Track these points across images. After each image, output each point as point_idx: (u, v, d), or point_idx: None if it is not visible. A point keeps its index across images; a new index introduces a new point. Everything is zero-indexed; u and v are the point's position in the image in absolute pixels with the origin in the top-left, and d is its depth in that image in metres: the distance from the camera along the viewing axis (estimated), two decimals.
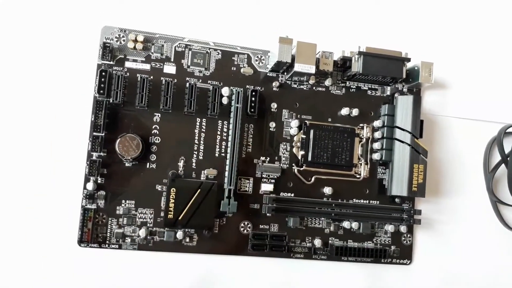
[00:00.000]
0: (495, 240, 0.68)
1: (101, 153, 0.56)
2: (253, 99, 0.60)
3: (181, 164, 0.59)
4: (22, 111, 0.57)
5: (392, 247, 0.64)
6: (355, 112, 0.63)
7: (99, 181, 0.57)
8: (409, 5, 0.69)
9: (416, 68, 0.63)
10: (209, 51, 0.61)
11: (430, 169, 0.64)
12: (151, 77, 0.59)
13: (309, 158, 0.61)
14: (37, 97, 0.57)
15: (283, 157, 0.62)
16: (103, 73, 0.56)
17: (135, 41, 0.58)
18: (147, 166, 0.58)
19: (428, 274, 0.65)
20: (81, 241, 0.56)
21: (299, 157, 0.62)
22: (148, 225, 0.58)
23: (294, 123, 0.61)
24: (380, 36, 0.66)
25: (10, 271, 0.56)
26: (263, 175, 0.61)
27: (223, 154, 0.60)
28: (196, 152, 0.59)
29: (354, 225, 0.61)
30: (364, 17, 0.67)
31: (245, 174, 0.60)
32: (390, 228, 0.63)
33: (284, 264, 0.61)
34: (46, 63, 0.58)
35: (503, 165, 0.67)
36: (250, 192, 0.60)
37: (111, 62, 0.58)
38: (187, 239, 0.58)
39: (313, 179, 0.62)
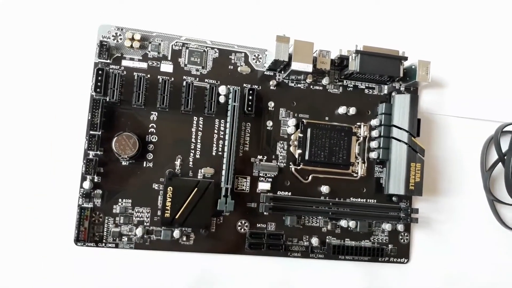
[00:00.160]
0: (492, 239, 0.68)
1: (98, 152, 0.56)
2: (250, 97, 0.60)
3: (178, 162, 0.59)
4: (19, 110, 0.57)
5: (389, 245, 0.64)
6: (352, 110, 0.63)
7: (95, 180, 0.56)
8: (406, 4, 0.69)
9: (413, 66, 0.63)
10: (206, 49, 0.61)
11: (427, 168, 0.64)
12: (148, 75, 0.58)
13: (306, 157, 0.61)
14: (34, 96, 0.57)
15: (280, 155, 0.61)
16: (100, 72, 0.56)
17: (132, 39, 0.58)
18: (144, 165, 0.58)
19: (426, 273, 0.65)
20: (77, 240, 0.56)
21: (296, 156, 0.62)
22: (145, 224, 0.57)
23: (291, 121, 0.61)
24: (377, 34, 0.66)
25: (7, 270, 0.56)
26: (260, 174, 0.61)
27: (220, 153, 0.60)
28: (193, 151, 0.59)
29: (352, 223, 0.61)
30: (362, 16, 0.67)
31: (242, 173, 0.60)
32: (387, 226, 0.63)
33: (282, 263, 0.61)
34: (43, 61, 0.58)
35: (500, 163, 0.67)
36: (247, 191, 0.60)
37: (108, 61, 0.58)
38: (184, 238, 0.58)
39: (310, 177, 0.62)
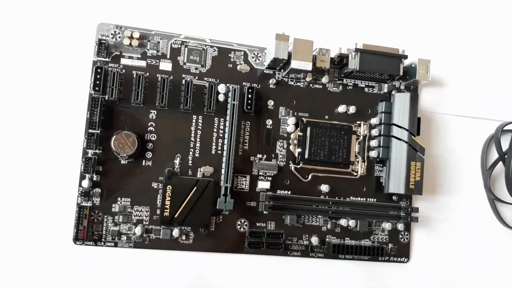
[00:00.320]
0: (492, 238, 0.67)
1: (97, 151, 0.56)
2: (249, 96, 0.59)
3: (177, 161, 0.58)
4: (17, 108, 0.57)
5: (389, 245, 0.63)
6: (352, 109, 0.63)
7: (94, 179, 0.56)
8: (406, 2, 0.68)
9: (413, 65, 0.63)
10: (205, 48, 0.60)
11: (427, 167, 0.64)
12: (147, 74, 0.58)
13: (306, 156, 0.61)
14: (32, 94, 0.57)
15: (280, 154, 0.61)
16: (99, 70, 0.56)
17: (131, 37, 0.58)
18: (143, 164, 0.58)
19: (426, 272, 0.65)
20: (76, 239, 0.56)
21: (296, 155, 0.61)
22: (144, 223, 0.57)
23: (291, 120, 0.61)
24: (377, 33, 0.66)
25: (5, 269, 0.55)
26: (259, 173, 0.60)
27: (220, 152, 0.60)
28: (192, 150, 0.59)
29: (351, 223, 0.61)
30: (361, 14, 0.67)
31: (242, 171, 0.60)
32: (387, 226, 0.62)
33: (281, 262, 0.61)
34: (41, 59, 0.57)
35: (500, 162, 0.66)
36: (247, 189, 0.60)
37: (107, 59, 0.58)
38: (183, 237, 0.58)
39: (310, 176, 0.62)
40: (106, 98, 0.56)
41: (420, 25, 0.68)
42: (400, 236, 0.64)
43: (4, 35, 0.57)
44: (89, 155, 0.56)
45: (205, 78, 0.60)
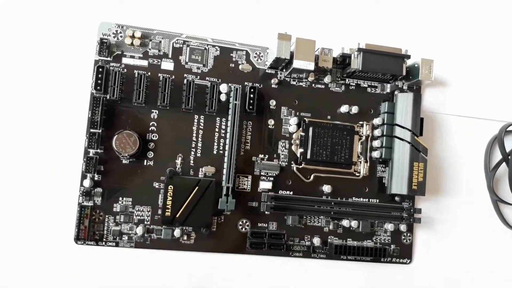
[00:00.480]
0: (495, 240, 0.67)
1: (98, 150, 0.56)
2: (251, 96, 0.59)
3: (178, 161, 0.58)
4: (19, 107, 0.57)
5: (392, 246, 0.63)
6: (354, 109, 0.62)
7: (96, 178, 0.56)
8: (409, 2, 0.68)
9: (416, 65, 0.63)
10: (207, 47, 0.60)
11: (430, 168, 0.63)
12: (149, 73, 0.58)
13: (308, 156, 0.61)
14: (34, 93, 0.57)
15: (282, 154, 0.61)
16: (100, 69, 0.56)
17: (133, 37, 0.58)
18: (145, 163, 0.58)
19: (428, 273, 0.65)
20: (77, 239, 0.55)
21: (298, 155, 0.61)
22: (146, 222, 0.57)
23: (293, 120, 0.61)
24: (379, 33, 0.66)
25: (7, 269, 0.55)
26: (261, 173, 0.60)
27: (221, 152, 0.59)
28: (194, 150, 0.59)
29: (354, 223, 0.61)
30: (364, 14, 0.67)
31: (244, 171, 0.60)
32: (389, 227, 0.62)
33: (283, 262, 0.61)
34: (43, 59, 0.57)
35: (504, 163, 0.66)
36: (249, 190, 0.60)
37: (108, 58, 0.57)
38: (185, 237, 0.58)
39: (312, 177, 0.61)
40: (108, 97, 0.56)
41: (423, 25, 0.68)
42: (403, 237, 0.63)
43: (6, 34, 0.57)
44: (91, 154, 0.56)
45: (207, 78, 0.60)
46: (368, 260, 0.62)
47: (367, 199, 0.63)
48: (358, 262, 0.62)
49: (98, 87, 0.55)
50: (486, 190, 0.67)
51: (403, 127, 0.61)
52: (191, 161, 0.59)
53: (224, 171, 0.58)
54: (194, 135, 0.59)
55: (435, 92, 0.67)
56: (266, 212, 0.59)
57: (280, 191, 0.60)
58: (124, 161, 0.57)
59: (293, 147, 0.61)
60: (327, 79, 0.62)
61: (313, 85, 0.62)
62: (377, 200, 0.63)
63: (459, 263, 0.66)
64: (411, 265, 0.64)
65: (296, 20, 0.64)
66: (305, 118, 0.61)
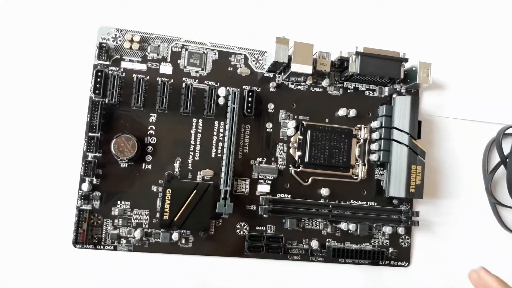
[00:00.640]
0: (494, 242, 0.67)
1: (97, 154, 0.56)
2: (249, 99, 0.59)
3: (177, 165, 0.58)
4: (19, 111, 0.57)
5: (390, 249, 0.63)
6: (352, 113, 0.63)
7: (94, 182, 0.56)
8: (407, 6, 0.68)
9: (414, 68, 0.63)
10: (205, 51, 0.60)
11: (428, 170, 0.64)
12: (147, 77, 0.58)
13: (306, 159, 0.61)
14: (33, 97, 0.57)
15: (280, 158, 0.61)
16: (99, 73, 0.56)
17: (131, 41, 0.58)
18: (143, 167, 0.58)
19: (427, 276, 0.65)
20: (76, 242, 0.56)
21: (296, 158, 0.61)
22: (144, 226, 0.57)
23: (291, 123, 0.61)
24: (377, 36, 0.66)
25: (5, 271, 0.55)
26: (259, 176, 0.60)
27: (220, 155, 0.59)
28: (192, 153, 0.59)
29: (352, 226, 0.61)
30: (362, 17, 0.67)
31: (242, 175, 0.60)
32: (388, 229, 0.62)
33: (281, 266, 0.61)
34: (42, 63, 0.58)
35: (502, 166, 0.66)
36: (247, 193, 0.60)
37: (107, 62, 0.58)
38: (183, 241, 0.58)
39: (310, 180, 0.61)
40: (107, 101, 0.56)
41: (421, 28, 0.68)
42: (401, 240, 0.64)
43: (5, 38, 0.57)
44: (89, 158, 0.56)
45: (205, 82, 0.60)
46: (366, 263, 0.62)
47: (365, 202, 0.63)
48: (356, 265, 0.62)
49: (97, 91, 0.56)
50: (484, 192, 0.67)
51: (401, 130, 0.61)
52: (189, 165, 0.59)
53: (222, 174, 0.58)
54: (193, 138, 0.59)
55: (433, 95, 0.67)
56: (264, 216, 0.59)
57: (278, 194, 0.61)
58: (122, 165, 0.57)
59: (291, 151, 0.61)
60: (325, 83, 0.63)
61: (311, 88, 0.63)
62: (375, 203, 0.63)
63: (458, 266, 0.66)
64: (409, 268, 0.64)
65: (294, 24, 0.64)
66: (303, 122, 0.61)
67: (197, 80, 0.60)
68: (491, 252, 0.67)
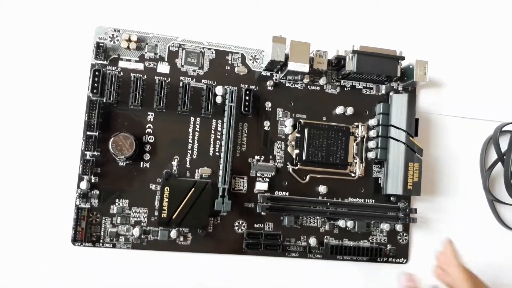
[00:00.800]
0: (492, 239, 0.67)
1: (95, 153, 0.56)
2: (247, 98, 0.60)
3: (175, 163, 0.59)
4: (16, 110, 0.57)
5: (388, 246, 0.63)
6: (349, 111, 0.63)
7: (92, 180, 0.57)
8: (403, 4, 0.68)
9: (410, 66, 0.63)
10: (203, 50, 0.61)
11: (426, 168, 0.64)
12: (145, 76, 0.59)
13: (304, 157, 0.61)
14: (31, 97, 0.57)
15: (278, 156, 0.61)
16: (97, 73, 0.56)
17: (129, 40, 0.58)
18: (141, 165, 0.58)
19: (425, 273, 0.65)
20: (75, 240, 0.56)
21: (294, 156, 0.62)
22: (142, 224, 0.57)
23: (289, 122, 0.61)
24: (374, 34, 0.66)
25: (4, 269, 0.56)
26: (257, 174, 0.61)
27: (217, 153, 0.60)
28: (190, 151, 0.59)
29: (350, 224, 0.61)
30: (358, 16, 0.67)
31: (240, 173, 0.60)
32: (385, 227, 0.62)
33: (279, 263, 0.61)
34: (40, 62, 0.58)
35: (499, 163, 0.66)
36: (245, 191, 0.60)
37: (105, 62, 0.58)
38: (181, 238, 0.58)
39: (308, 178, 0.62)
40: (104, 100, 0.57)
41: (417, 26, 0.68)
42: (399, 237, 0.64)
43: (3, 38, 0.58)
44: (87, 157, 0.56)
45: (202, 80, 0.60)
46: (364, 260, 0.62)
47: (362, 200, 0.63)
48: (354, 262, 0.62)
49: (95, 90, 0.56)
50: (482, 190, 0.67)
51: (398, 128, 0.62)
52: (187, 163, 0.59)
53: (220, 172, 0.58)
54: (190, 137, 0.59)
55: (430, 93, 0.67)
56: (262, 213, 0.60)
57: (276, 192, 0.61)
58: (120, 164, 0.57)
59: (288, 149, 0.62)
60: (322, 81, 0.63)
61: (309, 87, 0.63)
62: (373, 200, 0.63)
63: None
64: (407, 264, 0.64)
65: (291, 23, 0.64)
66: (300, 120, 0.62)
67: (194, 79, 0.60)
68: (489, 249, 0.67)
